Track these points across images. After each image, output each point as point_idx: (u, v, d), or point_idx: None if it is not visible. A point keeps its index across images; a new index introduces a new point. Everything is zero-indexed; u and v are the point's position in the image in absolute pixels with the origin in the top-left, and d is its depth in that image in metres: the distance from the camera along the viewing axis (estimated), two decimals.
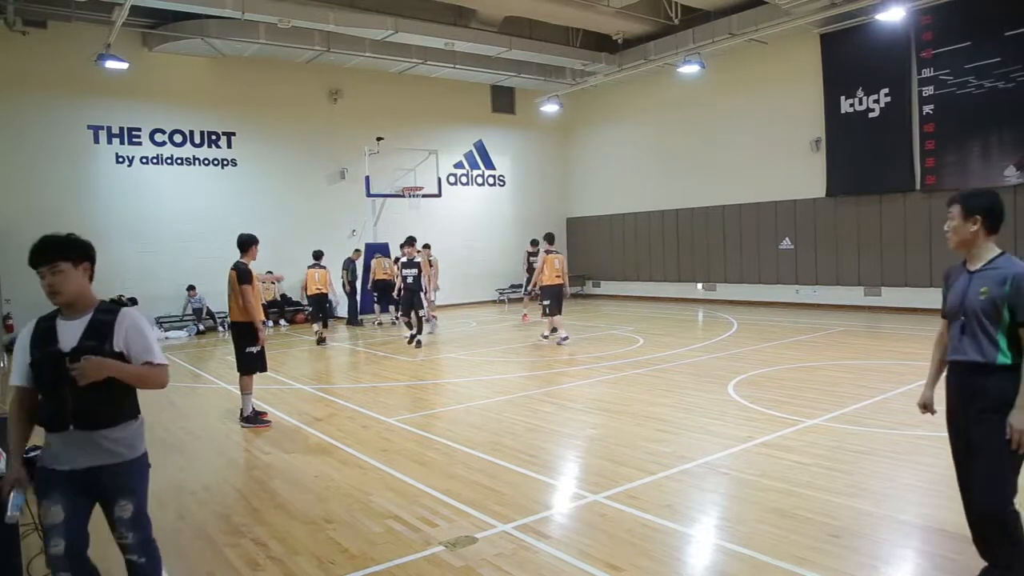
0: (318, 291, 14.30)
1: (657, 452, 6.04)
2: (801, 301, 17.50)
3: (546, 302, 12.72)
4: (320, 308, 14.40)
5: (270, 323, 17.59)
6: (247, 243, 7.70)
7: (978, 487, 3.23)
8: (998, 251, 3.28)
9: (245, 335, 7.59)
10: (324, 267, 14.50)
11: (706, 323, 15.66)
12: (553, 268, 12.66)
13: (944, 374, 3.49)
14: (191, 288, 16.77)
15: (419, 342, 12.98)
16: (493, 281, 22.26)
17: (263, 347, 7.67)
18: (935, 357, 3.61)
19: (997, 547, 3.25)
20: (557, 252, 13.07)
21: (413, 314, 13.21)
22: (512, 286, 21.87)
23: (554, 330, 13.14)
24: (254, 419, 7.57)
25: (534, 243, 15.73)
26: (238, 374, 7.65)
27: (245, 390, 7.61)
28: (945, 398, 3.44)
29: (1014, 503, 3.16)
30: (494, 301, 22.20)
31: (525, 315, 16.66)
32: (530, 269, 16.09)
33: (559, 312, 12.80)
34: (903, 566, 3.91)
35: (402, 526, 4.62)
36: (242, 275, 7.46)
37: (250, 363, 7.60)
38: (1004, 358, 3.11)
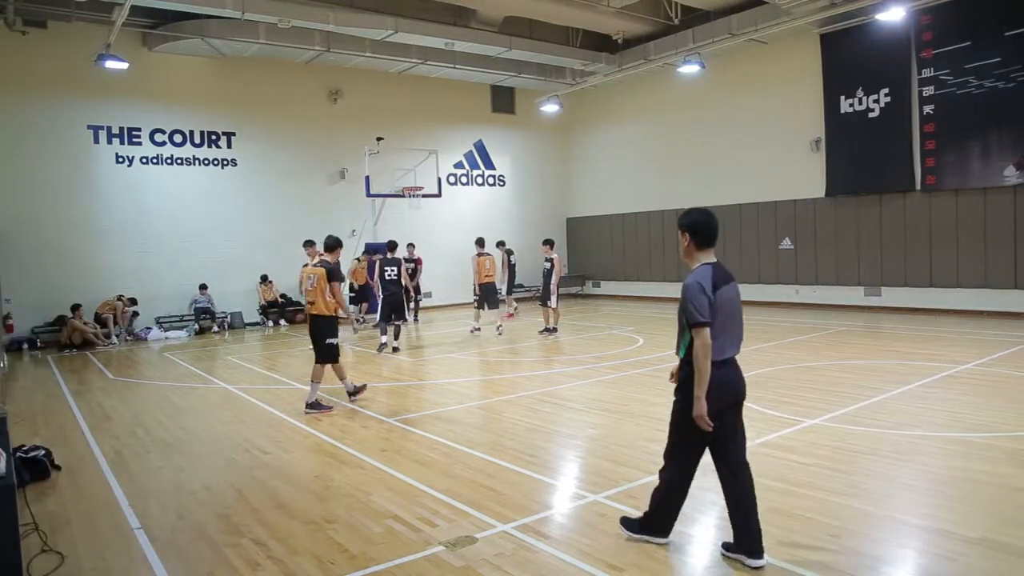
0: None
1: (657, 452, 5.97)
2: (801, 301, 17.49)
3: (476, 297, 14.53)
4: None
5: (270, 323, 17.62)
6: (334, 245, 8.42)
7: None
8: (703, 263, 3.90)
9: (328, 327, 8.13)
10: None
11: None
12: (484, 268, 14.44)
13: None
14: (203, 287, 16.79)
15: (382, 347, 12.35)
16: None
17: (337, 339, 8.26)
18: None
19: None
20: (488, 254, 14.68)
21: (392, 321, 12.44)
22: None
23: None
24: (317, 406, 8.05)
25: (499, 244, 16.99)
26: (316, 364, 8.15)
27: (316, 379, 8.11)
28: None
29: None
30: None
31: (510, 313, 16.77)
32: (507, 267, 16.93)
33: (495, 307, 14.59)
34: (903, 566, 3.91)
35: (402, 526, 4.62)
36: (331, 273, 8.07)
37: (331, 353, 8.16)
38: (684, 352, 3.88)
